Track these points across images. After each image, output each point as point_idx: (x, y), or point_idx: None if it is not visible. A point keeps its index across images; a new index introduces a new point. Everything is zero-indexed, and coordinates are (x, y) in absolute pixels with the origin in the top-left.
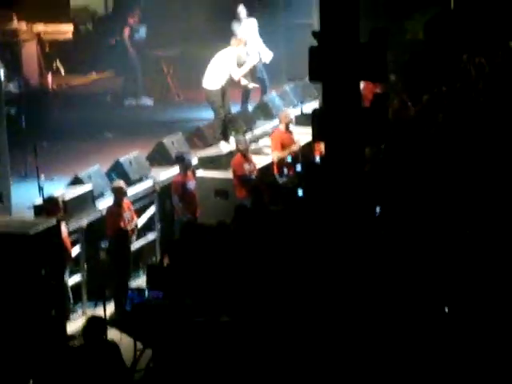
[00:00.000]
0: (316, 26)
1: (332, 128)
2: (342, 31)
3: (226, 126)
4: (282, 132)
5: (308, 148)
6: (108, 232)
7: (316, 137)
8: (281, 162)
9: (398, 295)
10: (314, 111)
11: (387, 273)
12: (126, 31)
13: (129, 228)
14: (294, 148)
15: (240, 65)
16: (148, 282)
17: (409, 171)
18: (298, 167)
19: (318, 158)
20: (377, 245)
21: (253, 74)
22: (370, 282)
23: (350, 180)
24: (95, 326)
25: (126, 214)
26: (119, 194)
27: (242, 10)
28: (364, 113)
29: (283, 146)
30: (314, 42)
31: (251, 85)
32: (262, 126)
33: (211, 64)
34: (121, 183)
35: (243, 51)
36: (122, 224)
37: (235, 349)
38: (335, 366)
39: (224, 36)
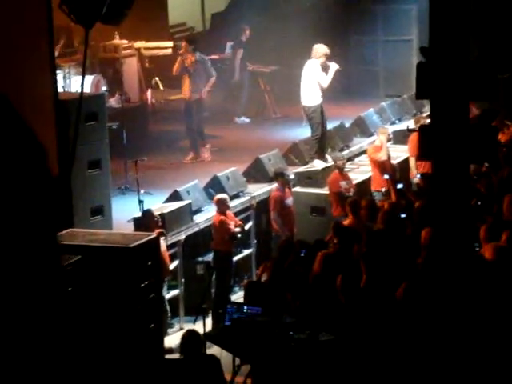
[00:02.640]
0: (415, 42)
1: (440, 146)
2: (452, 48)
3: (323, 144)
4: (374, 146)
5: (405, 166)
6: (213, 243)
7: (423, 155)
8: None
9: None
10: (422, 129)
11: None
12: (239, 52)
13: (236, 230)
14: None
15: (326, 72)
16: (246, 297)
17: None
18: (399, 185)
19: (418, 176)
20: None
21: None
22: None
23: (457, 199)
24: (192, 340)
25: (231, 223)
26: (223, 205)
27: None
28: (472, 130)
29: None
30: (414, 59)
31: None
32: (359, 143)
33: (303, 80)
34: (224, 195)
35: (324, 59)
36: (228, 232)
37: (334, 368)
38: None
39: None
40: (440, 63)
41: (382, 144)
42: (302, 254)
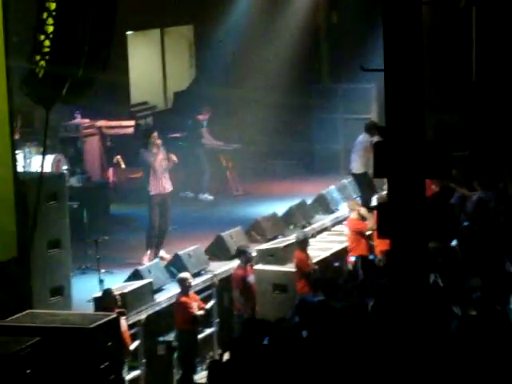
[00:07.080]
0: (375, 121)
1: (398, 224)
2: (408, 127)
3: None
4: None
5: None
6: (177, 323)
7: (382, 232)
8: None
9: None
10: (380, 207)
11: None
12: (206, 132)
13: (199, 314)
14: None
15: None
16: (209, 377)
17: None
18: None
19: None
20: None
21: None
22: None
23: (418, 278)
24: None
25: (194, 305)
26: (185, 284)
27: None
28: (430, 208)
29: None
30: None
31: None
32: (321, 220)
33: (359, 152)
34: (187, 274)
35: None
36: (190, 314)
37: None
38: None
39: (282, 130)
40: (397, 142)
41: (364, 215)
42: (265, 342)
